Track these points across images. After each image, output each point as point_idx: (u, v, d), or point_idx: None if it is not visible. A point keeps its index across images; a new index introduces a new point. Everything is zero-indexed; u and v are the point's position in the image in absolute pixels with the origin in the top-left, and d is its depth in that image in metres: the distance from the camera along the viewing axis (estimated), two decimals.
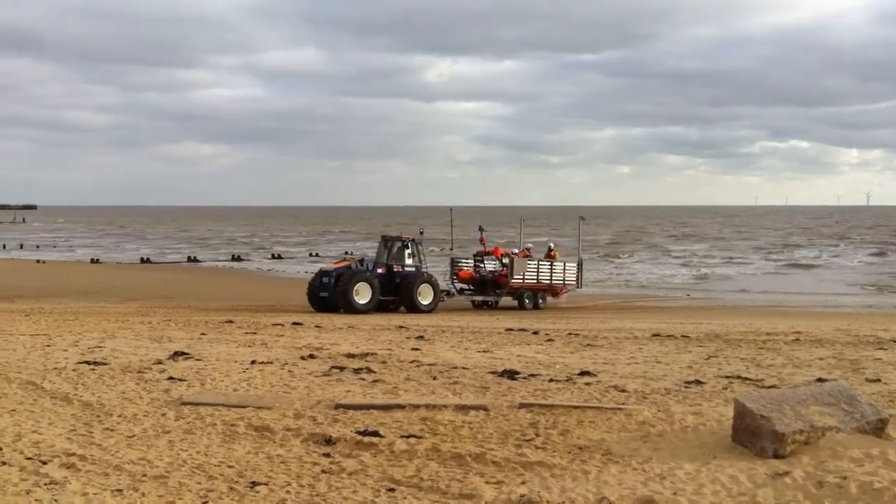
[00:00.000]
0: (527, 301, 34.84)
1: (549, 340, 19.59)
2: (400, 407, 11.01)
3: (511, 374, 13.81)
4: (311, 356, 15.94)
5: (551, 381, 13.41)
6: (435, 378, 13.65)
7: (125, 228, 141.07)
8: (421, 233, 34.78)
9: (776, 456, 8.19)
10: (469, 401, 11.53)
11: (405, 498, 7.66)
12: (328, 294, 31.02)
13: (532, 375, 13.86)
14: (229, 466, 8.50)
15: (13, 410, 10.86)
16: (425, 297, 32.25)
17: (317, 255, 76.60)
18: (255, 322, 24.14)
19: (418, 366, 14.97)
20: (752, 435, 8.52)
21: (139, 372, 13.95)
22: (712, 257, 72.13)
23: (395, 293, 32.23)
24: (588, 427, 9.97)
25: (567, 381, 13.42)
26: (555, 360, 16.01)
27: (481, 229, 37.17)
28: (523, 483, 7.97)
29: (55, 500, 7.27)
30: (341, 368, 14.35)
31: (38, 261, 65.31)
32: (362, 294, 31.03)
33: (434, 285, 32.78)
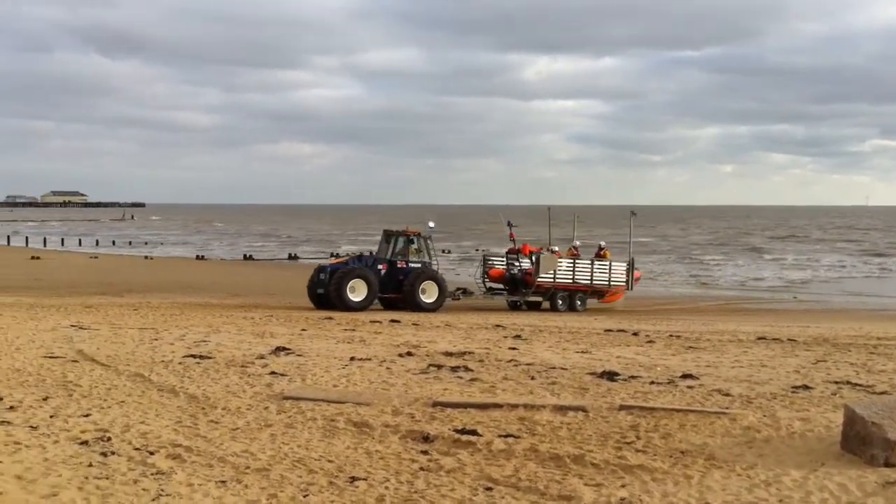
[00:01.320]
0: (560, 303, 32.60)
1: (650, 342, 19.27)
2: (498, 406, 10.98)
3: (610, 376, 13.62)
4: (409, 354, 16.02)
5: (652, 383, 13.18)
6: (533, 378, 13.56)
7: (227, 226, 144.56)
8: (431, 227, 33.33)
9: (887, 464, 7.90)
10: (568, 401, 11.42)
11: (503, 497, 7.61)
12: (324, 290, 29.71)
13: (632, 377, 13.64)
14: (329, 461, 8.59)
15: (122, 402, 11.20)
16: (429, 294, 30.63)
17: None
18: (354, 319, 24.40)
19: (516, 365, 14.90)
20: (862, 442, 8.23)
21: (242, 366, 14.24)
22: (818, 259, 69.96)
23: (399, 290, 30.71)
24: (690, 431, 9.77)
25: (668, 383, 13.17)
26: (656, 362, 15.73)
27: (510, 224, 35.51)
28: (623, 486, 7.85)
29: (162, 490, 7.45)
30: (439, 366, 14.38)
31: (145, 257, 67.49)
32: (358, 291, 29.58)
33: (439, 283, 31.08)
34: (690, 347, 18.18)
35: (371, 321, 23.64)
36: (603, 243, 37.09)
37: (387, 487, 7.79)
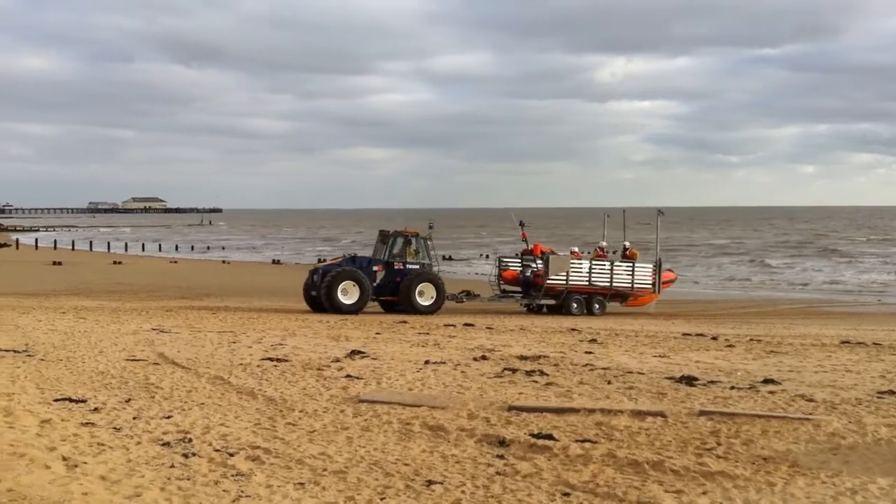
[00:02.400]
0: (574, 306, 31.10)
1: (730, 346, 18.90)
2: (574, 411, 10.88)
3: (689, 381, 13.37)
4: (484, 357, 15.97)
5: (732, 388, 12.91)
6: (609, 382, 13.39)
7: (302, 230, 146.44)
8: (431, 227, 31.83)
9: None
10: (646, 407, 11.25)
11: (580, 503, 7.52)
12: (317, 293, 29.15)
13: (712, 382, 13.39)
14: (405, 464, 8.59)
15: (202, 404, 11.38)
16: (426, 297, 29.67)
17: (487, 255, 77.06)
18: (427, 323, 24.47)
19: (592, 369, 14.74)
20: None
21: (318, 369, 14.36)
22: None
23: (396, 293, 29.93)
24: (773, 437, 9.56)
25: (749, 388, 12.88)
26: (736, 366, 15.41)
27: (522, 224, 34.21)
28: (704, 493, 7.71)
29: (242, 492, 7.53)
30: (514, 370, 14.31)
31: (223, 261, 68.78)
32: (350, 293, 28.87)
33: (437, 284, 30.01)
34: (772, 352, 17.78)
35: (445, 325, 23.66)
36: (628, 243, 35.07)
37: (463, 491, 7.76)
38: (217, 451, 8.88)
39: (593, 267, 31.85)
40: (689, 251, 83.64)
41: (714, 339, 20.58)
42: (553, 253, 33.12)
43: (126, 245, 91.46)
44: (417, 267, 30.32)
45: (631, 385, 13.12)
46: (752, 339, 20.31)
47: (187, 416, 10.58)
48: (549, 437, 9.54)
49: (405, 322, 24.53)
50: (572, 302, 31.25)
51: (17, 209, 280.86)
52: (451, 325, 23.46)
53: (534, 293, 31.67)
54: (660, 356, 16.98)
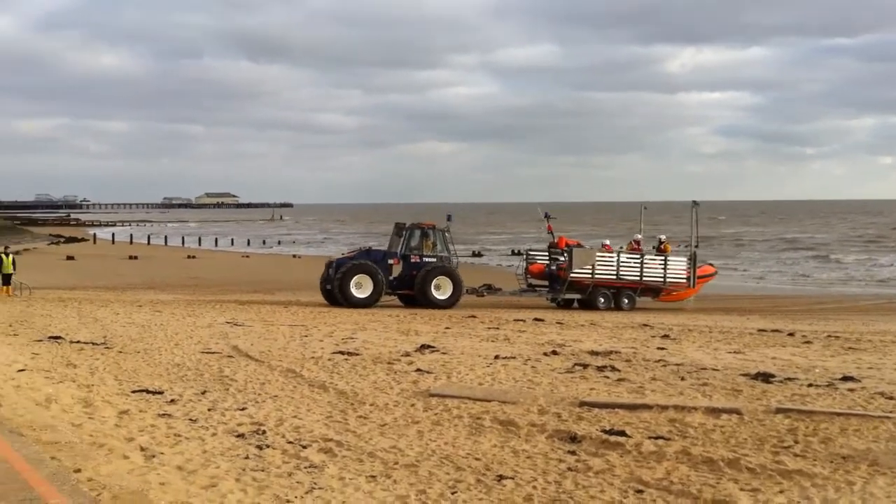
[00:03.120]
0: (601, 301, 30.18)
1: (807, 342, 18.49)
2: (647, 407, 10.73)
3: (765, 377, 13.09)
4: (554, 352, 15.87)
5: (810, 385, 12.61)
6: (683, 378, 13.19)
7: (371, 224, 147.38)
8: (449, 220, 31.27)
9: None
10: (721, 403, 11.05)
11: (654, 501, 7.41)
12: (331, 286, 28.95)
13: (788, 379, 13.09)
14: (476, 459, 8.56)
15: (275, 396, 11.51)
16: (442, 290, 29.23)
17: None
18: (497, 317, 24.41)
19: (665, 365, 14.54)
20: None
21: (389, 363, 14.43)
22: None
23: (413, 286, 29.47)
24: (852, 436, 9.30)
25: (828, 386, 12.57)
26: (813, 363, 15.06)
27: (547, 216, 33.29)
28: (781, 492, 7.53)
29: (315, 483, 7.58)
30: (585, 366, 14.19)
31: (294, 255, 69.64)
32: (364, 286, 28.62)
33: (454, 278, 29.53)
34: (850, 348, 17.34)
35: (514, 320, 23.59)
36: (663, 237, 34.05)
37: (534, 487, 7.70)
38: (290, 443, 8.96)
39: (621, 260, 30.90)
40: (760, 246, 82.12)
41: (791, 335, 20.16)
42: (579, 246, 32.25)
43: (199, 240, 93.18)
44: (434, 260, 29.90)
45: (705, 381, 12.90)
46: (829, 336, 19.84)
47: (261, 408, 10.70)
48: (622, 433, 9.42)
49: (474, 317, 24.51)
50: (599, 296, 30.42)
51: (94, 204, 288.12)
52: (521, 320, 23.37)
53: (558, 287, 30.94)
54: (734, 352, 16.68)
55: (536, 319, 23.70)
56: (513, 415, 10.31)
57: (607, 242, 34.09)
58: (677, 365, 14.57)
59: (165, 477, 7.34)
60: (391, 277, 29.79)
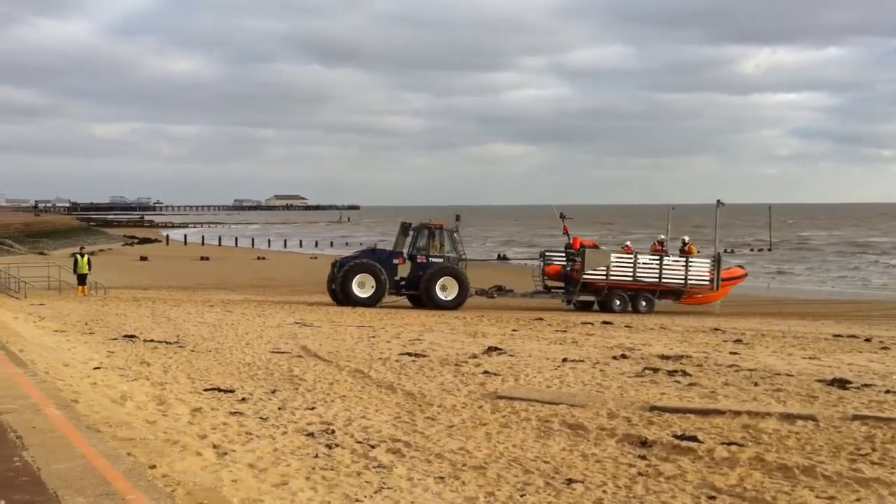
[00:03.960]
0: (617, 303, 29.39)
1: (884, 348, 18.00)
2: (719, 412, 10.53)
3: (842, 384, 12.76)
4: (623, 356, 15.70)
5: (888, 392, 12.25)
6: (756, 384, 12.92)
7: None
8: (457, 219, 30.90)
9: None
10: (795, 409, 10.79)
11: None
12: (335, 285, 29.01)
13: (865, 385, 12.74)
14: (545, 462, 8.50)
15: (344, 396, 11.58)
16: (448, 291, 28.88)
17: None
18: (565, 320, 24.27)
19: (737, 370, 14.26)
20: None
21: (456, 365, 14.41)
22: None
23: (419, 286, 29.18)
24: None
25: None
26: (891, 369, 14.65)
27: (563, 217, 32.47)
28: (858, 500, 7.35)
29: (384, 483, 7.60)
30: (655, 370, 14.00)
31: None
32: (366, 286, 28.50)
33: (460, 279, 29.09)
34: None
35: (582, 322, 23.43)
36: (687, 238, 32.84)
37: (604, 491, 7.61)
38: (359, 442, 9.00)
39: (639, 262, 30.09)
40: (828, 249, 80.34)
41: (867, 340, 19.66)
42: (595, 247, 31.53)
43: (269, 241, 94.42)
44: (441, 260, 29.58)
45: (779, 387, 12.63)
46: None
47: (330, 407, 10.78)
48: (694, 438, 9.26)
49: (541, 319, 24.40)
50: (614, 298, 29.67)
51: (166, 206, 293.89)
52: (589, 323, 23.19)
53: (571, 288, 30.42)
54: (809, 358, 16.31)
55: (605, 322, 23.50)
56: (582, 418, 10.22)
57: (628, 243, 33.29)
58: (750, 370, 14.28)
59: (237, 474, 7.42)
60: (397, 278, 29.63)
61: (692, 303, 30.95)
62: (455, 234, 30.60)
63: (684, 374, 13.65)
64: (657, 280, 29.94)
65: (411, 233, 30.54)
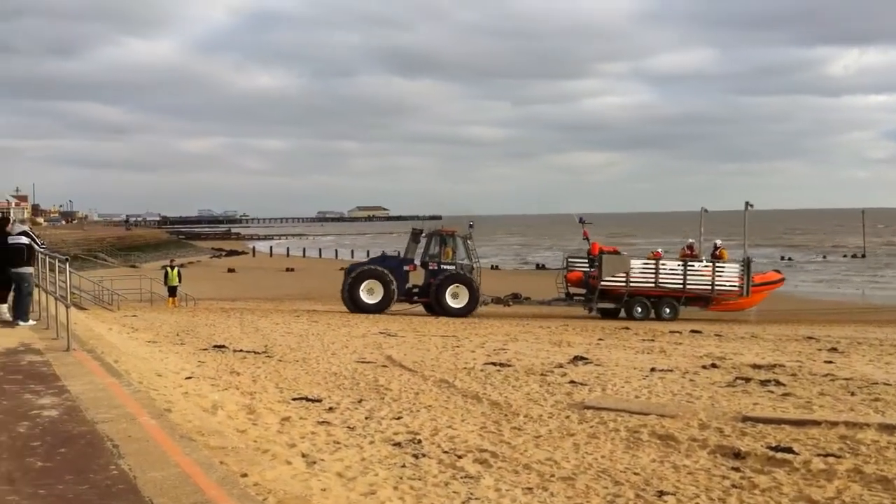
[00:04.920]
0: (638, 310, 28.53)
1: None
2: (815, 423, 10.22)
3: None
4: (713, 365, 15.37)
5: None
6: (853, 394, 12.52)
7: (522, 236, 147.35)
8: (470, 227, 30.54)
9: None
10: (895, 420, 10.41)
11: None
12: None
13: None
14: (635, 473, 8.35)
15: (429, 406, 11.57)
16: (458, 298, 28.66)
17: None
18: (652, 329, 23.91)
19: (833, 380, 13.84)
20: None
21: (542, 374, 14.31)
22: None
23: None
24: None
25: None
26: None
27: (582, 221, 31.66)
28: None
29: (471, 494, 7.56)
30: (747, 379, 13.67)
31: None
32: (375, 292, 28.44)
33: (470, 286, 28.81)
34: None
35: (670, 331, 23.05)
36: (719, 242, 31.48)
37: (697, 503, 7.44)
38: (445, 452, 8.98)
39: (661, 268, 29.22)
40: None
41: None
42: (615, 253, 30.69)
43: (352, 252, 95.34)
44: (452, 268, 29.37)
45: (877, 397, 12.21)
46: None
47: (416, 417, 10.78)
48: (789, 450, 9.00)
49: (628, 328, 24.11)
50: (636, 305, 28.93)
51: (253, 219, 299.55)
52: (677, 332, 22.82)
53: (590, 296, 29.77)
54: None
55: (693, 331, 23.09)
56: (672, 429, 10.02)
57: (659, 249, 32.41)
58: (846, 379, 13.85)
59: (326, 483, 7.46)
60: (410, 285, 29.59)
61: (725, 309, 29.97)
62: (468, 241, 30.51)
63: (778, 383, 13.30)
64: (681, 286, 29.09)
65: (423, 240, 30.47)
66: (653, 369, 14.87)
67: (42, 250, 15.30)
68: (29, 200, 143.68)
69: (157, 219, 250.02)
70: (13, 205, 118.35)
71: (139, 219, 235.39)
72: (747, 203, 31.16)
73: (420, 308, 30.99)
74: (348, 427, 10.06)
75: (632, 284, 29.15)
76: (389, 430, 9.95)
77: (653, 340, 20.48)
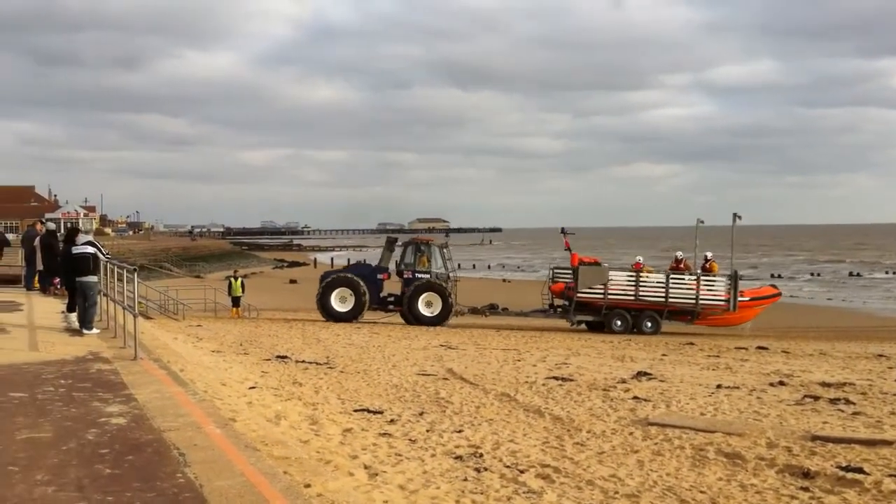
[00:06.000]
0: (617, 323, 27.88)
1: None
2: (886, 443, 9.96)
3: None
4: (781, 383, 15.05)
5: None
6: None
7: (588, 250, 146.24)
8: (447, 236, 30.55)
9: None
10: None
11: None
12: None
13: None
14: (701, 492, 8.20)
15: (491, 420, 11.51)
16: (432, 307, 28.59)
17: (778, 275, 73.82)
18: (717, 345, 23.53)
19: None
20: None
21: (604, 390, 14.15)
22: None
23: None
24: None
25: None
26: None
27: (564, 232, 30.96)
28: None
29: None
30: (815, 398, 13.36)
31: (503, 280, 70.25)
32: (347, 300, 28.51)
33: (443, 295, 28.67)
34: None
35: (736, 348, 22.66)
36: (709, 254, 30.32)
37: None
38: (507, 467, 8.91)
39: (642, 280, 28.55)
40: None
41: None
42: (596, 264, 30.04)
43: None
44: (427, 277, 29.40)
45: None
46: None
47: (477, 431, 10.73)
48: (860, 470, 8.77)
49: (692, 344, 23.76)
50: (614, 318, 28.31)
51: (314, 230, 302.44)
52: (743, 349, 22.42)
53: (567, 307, 29.35)
54: None
55: (760, 348, 22.65)
56: (739, 447, 9.83)
57: (640, 260, 31.59)
58: None
59: (388, 495, 7.44)
60: (386, 294, 29.78)
61: (715, 324, 29.17)
62: (444, 251, 30.59)
63: (847, 402, 12.98)
64: (663, 299, 28.34)
65: (399, 248, 30.69)
66: (719, 386, 14.62)
67: (108, 260, 15.59)
68: (97, 211, 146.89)
69: (221, 229, 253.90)
70: (82, 215, 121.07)
71: (203, 229, 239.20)
72: (735, 215, 30.27)
73: (486, 321, 30.96)
74: (410, 439, 10.05)
75: (610, 297, 28.67)
76: (451, 444, 9.92)
77: (718, 356, 20.14)
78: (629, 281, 28.87)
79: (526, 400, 13.06)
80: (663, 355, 20.36)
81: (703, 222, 30.52)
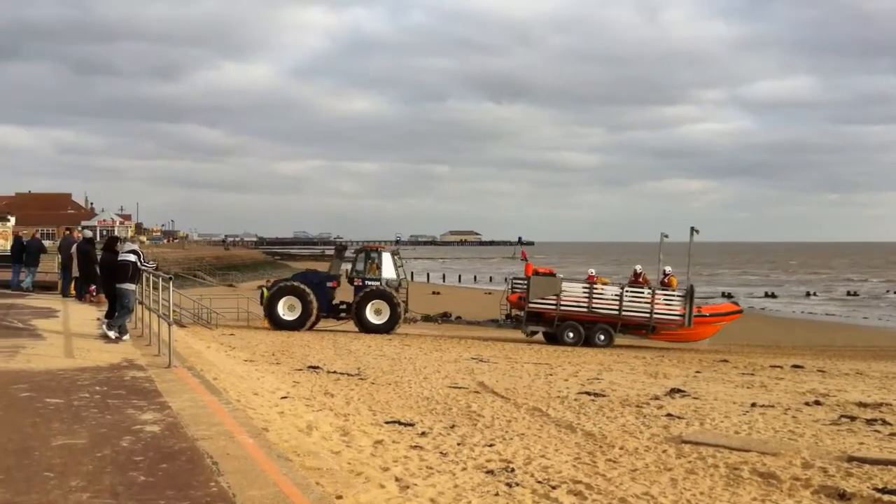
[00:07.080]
0: (569, 335, 27.55)
1: None
2: None
3: None
4: (817, 402, 14.86)
5: None
6: None
7: (612, 265, 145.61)
8: (397, 241, 30.29)
9: None
10: None
11: None
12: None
13: None
14: None
15: (522, 434, 11.46)
16: (380, 315, 28.44)
17: (814, 293, 73.06)
18: (752, 363, 23.28)
19: None
20: None
21: (637, 406, 14.05)
22: None
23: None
24: None
25: None
26: None
27: (521, 242, 30.63)
28: None
29: None
30: (852, 418, 13.17)
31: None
32: (295, 308, 28.38)
33: (392, 303, 28.45)
34: None
35: (771, 366, 22.41)
36: (668, 269, 29.65)
37: None
38: (539, 482, 8.86)
39: (595, 293, 28.28)
40: None
41: None
42: (551, 275, 29.75)
43: (444, 276, 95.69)
44: (377, 284, 29.27)
45: None
46: None
47: (508, 445, 10.69)
48: None
49: (726, 361, 23.53)
50: (566, 330, 28.02)
51: (347, 241, 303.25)
52: (778, 367, 22.16)
53: (518, 318, 29.13)
54: None
55: (795, 366, 22.38)
56: (773, 467, 9.71)
57: (592, 272, 31.36)
58: None
59: None
60: (338, 302, 29.74)
61: (673, 339, 28.82)
62: (395, 257, 30.52)
63: (884, 422, 12.79)
64: (616, 313, 28.06)
65: (350, 255, 30.78)
66: (753, 404, 14.45)
67: (146, 268, 15.73)
68: (132, 219, 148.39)
69: (254, 239, 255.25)
70: (117, 223, 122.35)
71: (237, 239, 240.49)
72: (692, 228, 29.80)
73: (516, 334, 30.87)
74: (441, 452, 10.03)
75: (562, 308, 28.43)
76: (482, 458, 9.88)
77: (753, 374, 19.92)
78: (583, 293, 28.72)
79: (558, 415, 13.00)
80: (697, 372, 20.18)
81: (667, 237, 30.22)
